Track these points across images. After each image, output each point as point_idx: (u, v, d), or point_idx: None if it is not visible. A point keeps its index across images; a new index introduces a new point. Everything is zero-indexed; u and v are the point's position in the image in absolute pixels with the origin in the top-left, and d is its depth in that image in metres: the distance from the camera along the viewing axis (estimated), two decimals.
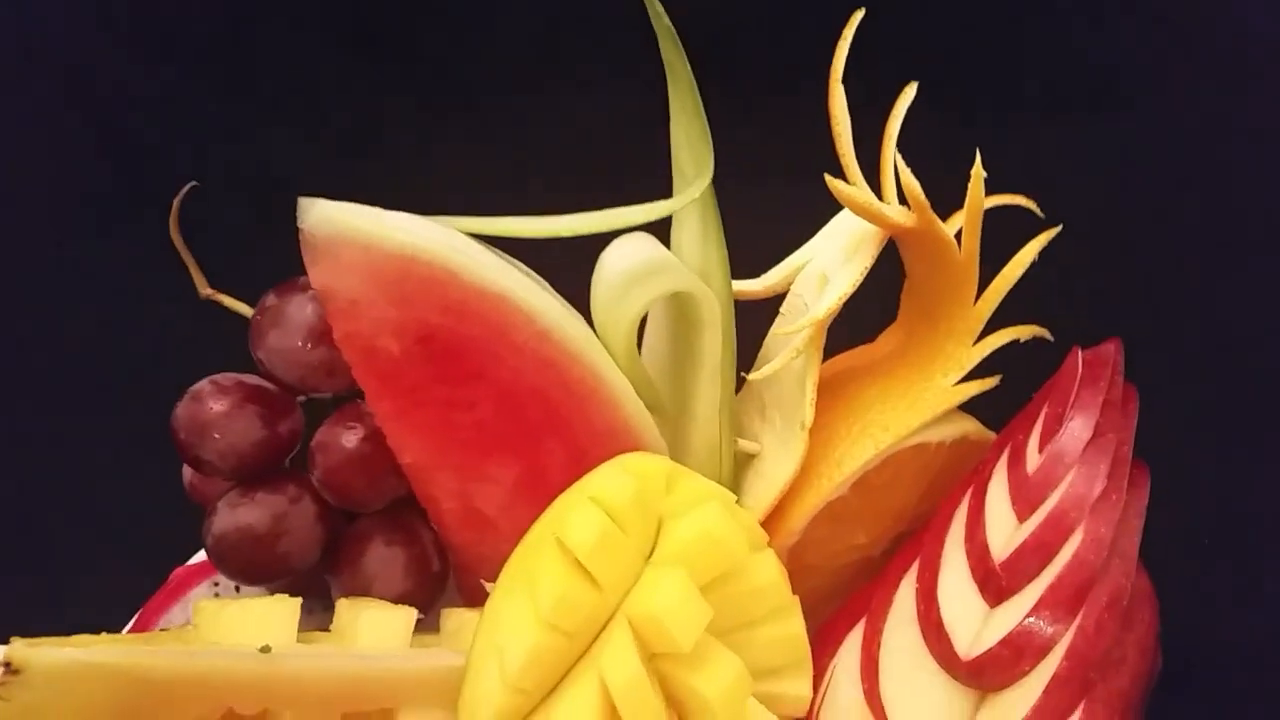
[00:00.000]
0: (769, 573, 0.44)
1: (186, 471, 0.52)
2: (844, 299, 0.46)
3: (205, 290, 0.52)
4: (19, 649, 0.37)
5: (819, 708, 0.47)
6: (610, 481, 0.43)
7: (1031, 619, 0.44)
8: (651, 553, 0.43)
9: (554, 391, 0.46)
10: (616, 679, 0.39)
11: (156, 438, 0.48)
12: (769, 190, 0.53)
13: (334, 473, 0.48)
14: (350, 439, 0.48)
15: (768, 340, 0.50)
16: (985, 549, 0.46)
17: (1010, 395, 0.50)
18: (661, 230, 0.48)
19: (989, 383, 0.50)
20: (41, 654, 0.38)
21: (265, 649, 0.41)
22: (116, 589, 0.52)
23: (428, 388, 0.46)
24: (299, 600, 0.44)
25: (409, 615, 0.45)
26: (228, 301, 0.52)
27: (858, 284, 0.47)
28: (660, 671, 0.41)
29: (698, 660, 0.41)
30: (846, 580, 0.52)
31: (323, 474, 0.48)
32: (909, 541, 0.50)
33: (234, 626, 0.43)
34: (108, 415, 0.61)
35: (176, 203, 0.50)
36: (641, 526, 0.43)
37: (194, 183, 0.50)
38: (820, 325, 0.47)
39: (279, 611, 0.44)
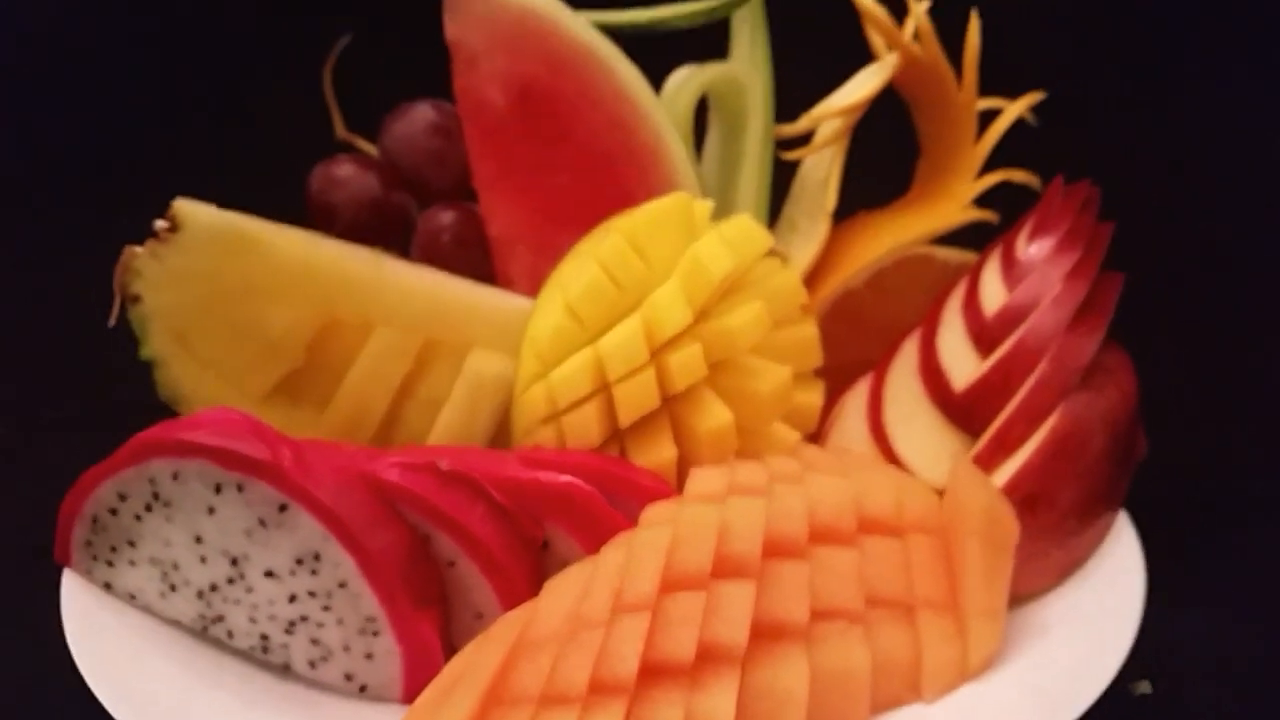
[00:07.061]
0: (791, 280, 0.52)
1: None
2: (866, 98, 0.56)
3: (342, 132, 0.64)
4: (186, 205, 0.46)
5: (829, 431, 0.54)
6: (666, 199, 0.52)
7: (1016, 345, 0.51)
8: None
9: (621, 157, 0.56)
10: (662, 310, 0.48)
11: None
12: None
13: (432, 238, 0.58)
14: (448, 214, 0.59)
15: (801, 168, 0.60)
16: (979, 310, 0.54)
17: None
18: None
19: (989, 214, 0.59)
20: (204, 213, 0.47)
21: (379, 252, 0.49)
22: None
23: (522, 147, 0.56)
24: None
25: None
26: (360, 144, 0.63)
27: (878, 90, 0.57)
28: (700, 334, 0.49)
29: (731, 299, 0.49)
30: None
31: (422, 238, 0.58)
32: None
33: None
34: None
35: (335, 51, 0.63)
36: (685, 239, 0.51)
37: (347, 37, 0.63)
38: (848, 113, 0.56)
39: None
